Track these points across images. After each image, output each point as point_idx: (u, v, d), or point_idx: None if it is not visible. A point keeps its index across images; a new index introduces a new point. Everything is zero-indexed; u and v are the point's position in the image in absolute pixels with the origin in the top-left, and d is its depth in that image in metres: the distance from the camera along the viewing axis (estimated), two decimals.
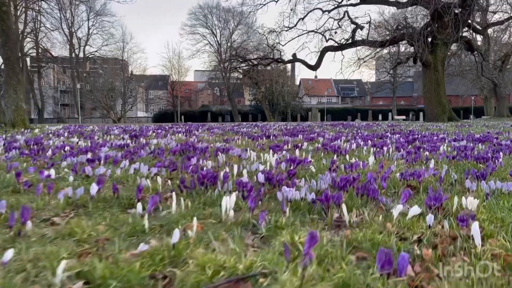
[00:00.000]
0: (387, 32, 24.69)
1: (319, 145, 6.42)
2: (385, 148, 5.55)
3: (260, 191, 2.76)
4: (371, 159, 4.33)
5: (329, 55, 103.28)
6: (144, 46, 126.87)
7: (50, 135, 8.98)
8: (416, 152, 4.93)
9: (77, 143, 6.89)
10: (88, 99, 61.93)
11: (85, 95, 61.82)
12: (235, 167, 3.78)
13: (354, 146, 6.18)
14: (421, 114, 44.45)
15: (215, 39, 60.89)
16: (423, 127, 14.25)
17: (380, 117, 54.88)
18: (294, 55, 25.39)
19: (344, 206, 2.37)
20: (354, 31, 24.59)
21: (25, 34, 55.03)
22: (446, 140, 7.62)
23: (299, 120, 51.41)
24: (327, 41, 24.41)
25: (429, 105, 22.67)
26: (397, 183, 3.52)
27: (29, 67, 59.32)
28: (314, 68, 24.39)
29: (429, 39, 21.70)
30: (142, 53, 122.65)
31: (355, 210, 2.58)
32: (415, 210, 2.35)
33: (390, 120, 45.07)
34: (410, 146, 6.32)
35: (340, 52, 24.87)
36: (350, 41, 23.76)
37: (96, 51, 62.52)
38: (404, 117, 49.77)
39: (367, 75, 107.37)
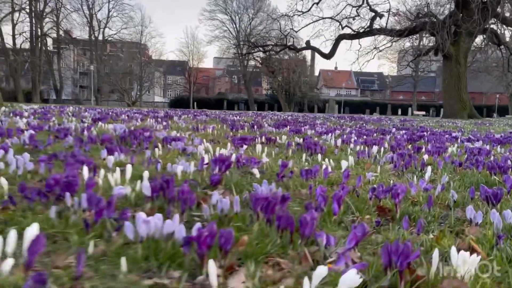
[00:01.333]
0: (408, 22, 23.07)
1: (300, 140, 5.26)
2: (374, 148, 4.37)
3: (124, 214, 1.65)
4: (344, 163, 3.17)
5: (345, 44, 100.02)
6: (162, 31, 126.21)
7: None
8: (410, 155, 3.73)
9: None
10: (106, 82, 61.55)
11: (103, 78, 61.42)
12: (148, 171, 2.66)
13: (339, 142, 5.01)
14: (442, 110, 42.57)
15: (234, 26, 59.65)
16: (437, 123, 12.90)
17: (399, 111, 53.07)
18: (307, 42, 24.05)
19: (212, 266, 1.24)
20: (372, 19, 23.10)
21: (44, 13, 54.84)
22: (459, 140, 6.37)
23: (316, 112, 50.03)
24: (342, 28, 22.98)
25: (448, 100, 21.09)
26: (364, 202, 2.38)
27: (48, 48, 59.32)
28: (328, 56, 23.03)
29: (452, 29, 20.06)
30: (161, 38, 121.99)
31: (254, 265, 1.45)
32: (350, 278, 1.21)
33: (409, 115, 43.37)
34: (409, 146, 5.10)
35: (357, 41, 23.42)
36: (367, 29, 22.26)
37: (115, 34, 62.04)
38: (424, 112, 47.98)
39: (388, 68, 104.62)
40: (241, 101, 59.59)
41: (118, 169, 2.54)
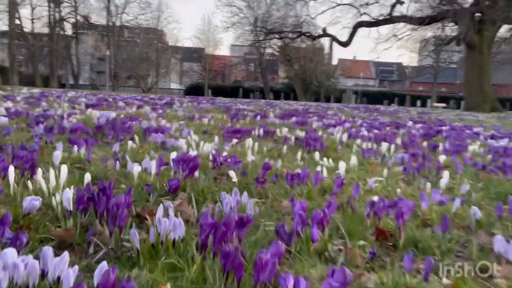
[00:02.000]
0: (430, 10, 22.08)
1: (302, 133, 4.72)
2: (384, 145, 3.80)
3: None
4: (342, 166, 2.63)
5: (363, 32, 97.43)
6: (178, 17, 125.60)
7: None
8: (424, 156, 3.15)
9: None
10: (122, 67, 61.49)
11: (119, 64, 61.35)
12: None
13: (345, 137, 4.44)
14: (462, 103, 41.32)
15: (252, 12, 58.64)
16: (458, 116, 12.18)
17: (418, 103, 51.70)
18: (324, 29, 23.29)
19: None
20: (393, 6, 22.17)
21: None
22: (481, 136, 5.75)
23: (332, 101, 49.08)
24: (361, 15, 22.12)
25: (470, 92, 20.15)
26: (359, 221, 1.85)
27: (66, 33, 59.42)
28: (345, 44, 22.24)
29: (477, 18, 19.05)
30: (177, 24, 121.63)
31: None
32: None
33: (428, 107, 42.19)
34: (424, 143, 4.51)
35: (375, 29, 22.54)
36: (387, 16, 21.36)
37: (132, 20, 61.86)
38: (444, 104, 46.61)
39: (408, 58, 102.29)
40: (256, 89, 58.81)
41: (53, 169, 2.05)
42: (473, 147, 4.34)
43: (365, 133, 5.17)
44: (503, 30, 23.69)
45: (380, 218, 1.83)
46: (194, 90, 60.20)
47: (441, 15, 20.57)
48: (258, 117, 6.79)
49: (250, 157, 2.89)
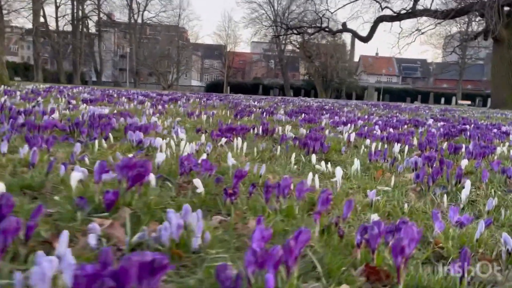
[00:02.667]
0: (455, 3, 21.16)
1: (305, 131, 4.24)
2: (397, 146, 3.29)
3: None
4: (338, 173, 2.15)
5: (384, 27, 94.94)
6: (199, 13, 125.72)
7: None
8: (442, 161, 2.63)
9: None
10: (144, 65, 61.81)
11: (140, 61, 61.66)
12: None
13: (352, 138, 3.93)
14: (489, 100, 39.93)
15: (272, 9, 57.99)
16: (483, 114, 11.44)
17: (442, 100, 50.30)
18: (344, 24, 22.59)
19: None
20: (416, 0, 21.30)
21: None
22: (511, 137, 5.16)
23: (354, 99, 48.20)
24: (382, 9, 21.32)
25: (497, 88, 19.18)
26: (347, 251, 1.37)
27: (90, 30, 60.01)
28: (365, 39, 21.52)
29: (504, 10, 18.10)
30: (198, 21, 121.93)
31: None
32: None
33: (453, 104, 40.93)
34: (445, 143, 3.95)
35: (397, 24, 21.75)
36: (409, 10, 20.53)
37: (154, 17, 62.22)
38: (469, 102, 45.27)
39: (432, 54, 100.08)
40: (276, 86, 58.24)
41: None
42: (501, 148, 3.79)
43: (378, 131, 4.64)
44: None
45: (374, 250, 1.34)
46: (214, 87, 60.08)
47: (467, 8, 19.64)
48: (265, 114, 6.31)
49: (230, 161, 2.42)
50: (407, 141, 3.75)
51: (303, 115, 6.43)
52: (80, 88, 12.82)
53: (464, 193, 2.09)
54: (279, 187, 1.83)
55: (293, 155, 2.75)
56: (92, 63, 62.20)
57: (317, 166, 2.56)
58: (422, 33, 21.81)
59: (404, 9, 21.65)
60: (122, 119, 4.22)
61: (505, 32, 18.12)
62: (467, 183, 2.13)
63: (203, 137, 3.25)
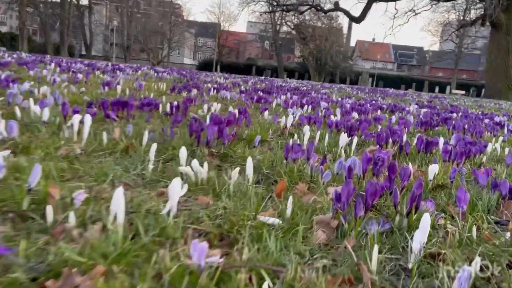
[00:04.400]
0: None
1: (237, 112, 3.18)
2: (342, 137, 2.24)
3: None
4: (176, 185, 1.09)
5: (381, 10, 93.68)
6: None
7: None
8: (392, 168, 1.58)
9: None
10: (136, 40, 60.28)
11: (132, 36, 60.06)
12: None
13: (292, 123, 2.87)
14: (483, 91, 38.98)
15: None
16: (475, 103, 10.41)
17: (437, 89, 49.34)
18: (336, 3, 21.39)
19: None
20: None
21: None
22: (506, 129, 4.13)
23: (347, 83, 47.11)
24: None
25: (492, 76, 18.11)
26: None
27: (80, 2, 58.08)
28: (357, 20, 20.35)
29: None
30: None
31: None
32: None
33: (447, 93, 39.95)
34: (424, 134, 2.90)
35: (392, 4, 20.53)
36: None
37: None
38: (463, 92, 44.32)
39: (429, 42, 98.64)
40: (269, 67, 56.95)
41: None
42: (494, 145, 2.75)
43: (337, 117, 3.59)
44: None
45: None
46: (206, 66, 58.72)
47: None
48: (213, 91, 5.21)
49: None
50: (363, 131, 2.70)
51: (259, 92, 5.35)
52: (33, 57, 11.61)
53: (418, 240, 1.06)
54: None
55: (154, 146, 1.67)
56: (81, 36, 60.47)
57: (182, 169, 1.51)
58: (416, 14, 20.62)
59: None
60: None
61: (503, 16, 16.97)
62: (425, 220, 1.09)
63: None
